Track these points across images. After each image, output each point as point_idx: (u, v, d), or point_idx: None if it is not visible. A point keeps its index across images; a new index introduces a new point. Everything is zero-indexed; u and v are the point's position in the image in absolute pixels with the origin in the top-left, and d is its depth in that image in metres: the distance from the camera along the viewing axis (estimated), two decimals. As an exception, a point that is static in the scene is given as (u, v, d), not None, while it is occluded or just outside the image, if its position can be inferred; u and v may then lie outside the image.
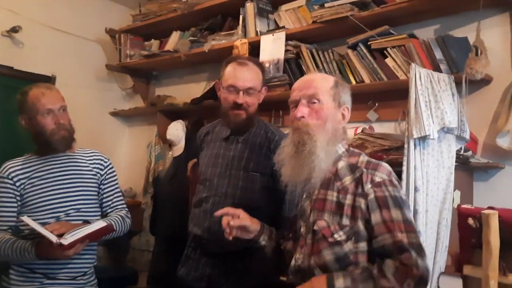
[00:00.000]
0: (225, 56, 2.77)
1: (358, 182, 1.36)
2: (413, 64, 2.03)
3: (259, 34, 3.03)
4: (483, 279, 1.08)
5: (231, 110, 1.99)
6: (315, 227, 1.37)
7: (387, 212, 1.29)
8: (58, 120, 1.90)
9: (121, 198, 2.11)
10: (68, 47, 3.74)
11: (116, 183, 2.10)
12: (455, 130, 2.09)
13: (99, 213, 2.01)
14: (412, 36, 2.46)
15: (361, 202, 1.32)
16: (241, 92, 1.96)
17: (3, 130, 3.29)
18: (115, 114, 4.14)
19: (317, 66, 2.76)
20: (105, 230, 1.84)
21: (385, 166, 1.39)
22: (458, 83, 2.21)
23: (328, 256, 1.31)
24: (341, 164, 1.43)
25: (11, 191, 1.88)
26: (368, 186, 1.33)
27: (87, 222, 1.84)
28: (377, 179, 1.34)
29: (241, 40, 3.06)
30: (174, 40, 3.67)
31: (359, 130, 2.53)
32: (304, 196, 1.47)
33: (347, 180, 1.38)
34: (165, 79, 4.07)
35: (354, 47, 2.65)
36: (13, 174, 1.90)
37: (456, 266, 2.14)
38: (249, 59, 2.05)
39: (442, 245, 2.01)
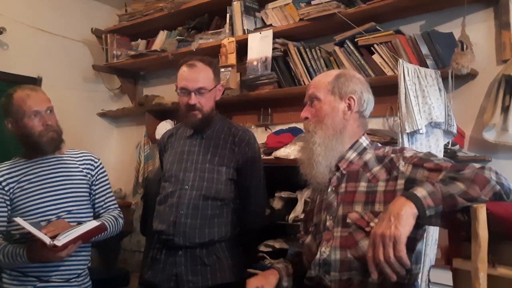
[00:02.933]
0: (212, 55, 2.79)
1: (390, 167, 1.40)
2: (400, 60, 2.05)
3: (246, 32, 3.03)
4: (473, 271, 1.09)
5: (186, 112, 2.04)
6: (348, 220, 1.38)
7: (429, 162, 1.32)
8: (45, 122, 1.87)
9: (113, 198, 2.10)
10: (54, 48, 3.70)
11: (108, 183, 2.09)
12: (443, 125, 2.12)
13: (92, 214, 1.99)
14: (398, 32, 2.48)
15: (399, 184, 1.35)
16: (192, 94, 2.00)
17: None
18: (103, 115, 4.11)
19: (305, 64, 2.77)
20: (98, 230, 1.82)
21: (409, 147, 1.49)
22: (444, 78, 2.24)
23: (366, 246, 1.29)
24: (368, 156, 1.47)
25: (1, 196, 1.86)
26: (402, 164, 1.37)
27: (79, 224, 1.83)
28: (407, 154, 1.40)
29: (228, 39, 3.05)
30: (161, 39, 3.65)
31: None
32: (329, 190, 1.48)
33: (377, 169, 1.43)
34: (152, 79, 4.06)
35: (341, 44, 2.66)
36: (1, 179, 1.88)
37: (445, 259, 2.17)
38: (199, 59, 2.08)
39: (432, 238, 2.03)
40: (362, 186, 1.42)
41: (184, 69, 2.05)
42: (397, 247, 1.13)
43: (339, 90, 1.49)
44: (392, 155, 1.43)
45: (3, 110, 1.91)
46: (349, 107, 1.49)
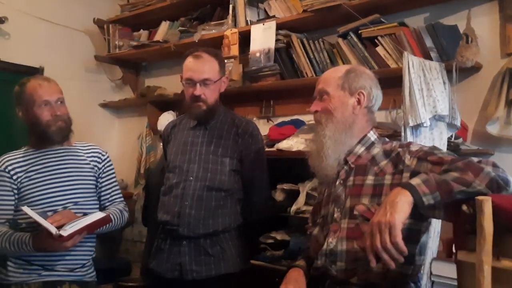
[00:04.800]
0: (215, 46, 2.77)
1: (396, 161, 1.43)
2: (405, 53, 2.04)
3: (249, 23, 3.02)
4: (477, 264, 1.10)
5: (191, 102, 2.04)
6: (355, 212, 1.42)
7: (432, 156, 1.35)
8: (54, 112, 1.89)
9: (119, 191, 2.11)
10: (56, 38, 3.68)
11: (114, 177, 2.10)
12: (447, 118, 2.12)
13: (97, 207, 2.00)
14: (402, 24, 2.47)
15: (405, 177, 1.37)
16: (197, 84, 2.00)
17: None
18: (104, 105, 4.10)
19: (308, 56, 2.76)
20: (103, 221, 1.84)
21: (416, 142, 1.52)
22: (448, 71, 2.24)
23: None
24: (376, 150, 1.50)
25: (8, 184, 1.87)
26: (407, 158, 1.40)
27: (85, 215, 1.84)
28: (413, 149, 1.42)
29: (231, 30, 3.04)
30: (163, 30, 3.63)
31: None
32: (337, 183, 1.51)
33: (384, 163, 1.46)
34: (154, 70, 4.04)
35: (344, 36, 2.65)
36: (10, 168, 1.89)
37: (447, 251, 2.17)
38: (205, 50, 2.09)
39: (434, 231, 2.04)
40: (370, 179, 1.45)
41: (189, 60, 2.05)
42: (393, 232, 1.16)
43: (349, 85, 1.51)
44: (399, 150, 1.45)
45: (15, 98, 1.93)
46: (359, 102, 1.52)
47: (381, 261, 1.19)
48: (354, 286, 1.39)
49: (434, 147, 1.44)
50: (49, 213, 1.82)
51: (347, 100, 1.51)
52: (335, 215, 1.47)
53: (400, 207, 1.19)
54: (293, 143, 2.64)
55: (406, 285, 1.41)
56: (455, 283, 1.28)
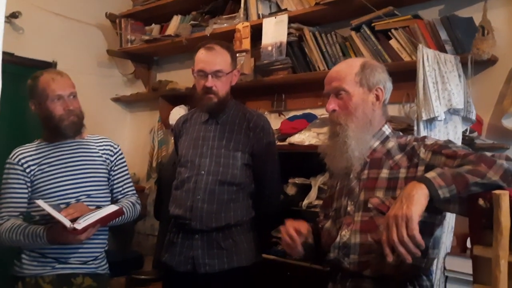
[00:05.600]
0: (227, 40, 2.76)
1: (411, 155, 1.42)
2: (420, 45, 2.02)
3: (261, 17, 3.00)
4: (493, 259, 1.09)
5: (202, 94, 2.04)
6: (369, 205, 1.41)
7: (447, 149, 1.34)
8: (67, 106, 1.90)
9: (131, 184, 2.11)
10: (68, 32, 3.70)
11: (126, 169, 2.10)
12: (461, 112, 2.09)
13: (110, 199, 2.01)
14: (416, 17, 2.43)
15: (420, 170, 1.37)
16: (209, 76, 2.01)
17: (5, 117, 3.27)
18: (116, 100, 4.12)
19: (320, 49, 2.74)
20: (116, 214, 1.84)
21: (431, 136, 1.51)
22: (463, 64, 2.20)
23: None
24: (391, 144, 1.49)
25: (22, 177, 1.89)
26: (422, 151, 1.40)
27: (98, 208, 1.84)
28: (428, 142, 1.42)
29: (243, 24, 3.03)
30: (175, 24, 3.63)
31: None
32: (352, 176, 1.49)
33: (399, 157, 1.45)
34: (166, 64, 4.05)
35: (357, 29, 2.62)
36: (23, 161, 1.90)
37: (461, 247, 2.15)
38: (218, 43, 2.09)
39: (449, 226, 2.02)
40: (384, 172, 1.44)
41: (202, 52, 2.05)
42: (410, 225, 1.16)
43: (367, 81, 1.49)
44: (414, 143, 1.44)
45: (28, 91, 1.94)
46: (377, 98, 1.50)
47: (397, 255, 1.18)
48: (367, 279, 1.39)
49: (449, 141, 1.43)
50: (62, 206, 1.83)
51: (367, 97, 1.48)
52: (349, 208, 1.46)
53: (417, 200, 1.18)
54: (305, 137, 2.63)
55: (419, 277, 1.41)
56: (469, 278, 1.27)
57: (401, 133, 1.57)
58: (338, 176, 1.58)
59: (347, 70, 1.51)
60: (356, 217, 1.43)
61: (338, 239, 1.45)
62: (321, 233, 1.56)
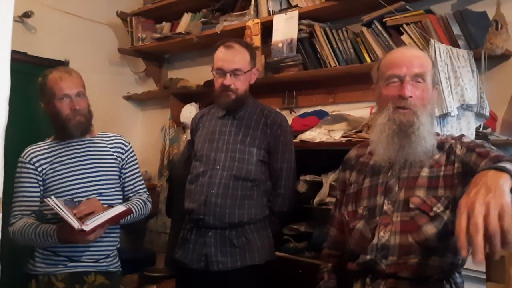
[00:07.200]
0: (237, 36, 2.76)
1: (449, 152, 1.41)
2: (432, 40, 1.99)
3: (271, 13, 2.99)
4: (507, 256, 1.08)
5: (220, 92, 2.05)
6: (411, 205, 1.37)
7: (481, 148, 1.32)
8: (73, 106, 1.89)
9: (142, 182, 2.12)
10: (80, 31, 3.73)
11: (137, 167, 2.11)
12: (475, 107, 2.06)
13: (121, 197, 2.02)
14: (429, 11, 2.40)
15: (456, 167, 1.36)
16: (227, 74, 2.01)
17: (19, 116, 3.31)
18: (128, 98, 4.14)
19: (331, 45, 2.73)
20: (124, 214, 1.85)
21: (467, 136, 1.49)
22: (476, 59, 2.17)
23: (430, 230, 1.32)
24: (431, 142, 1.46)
25: (34, 176, 1.90)
26: (458, 148, 1.39)
27: (110, 206, 1.85)
28: (465, 140, 1.42)
29: (253, 20, 3.02)
30: (185, 22, 3.64)
31: (374, 110, 2.50)
32: (390, 173, 1.45)
33: (438, 155, 1.43)
34: (177, 62, 4.06)
35: (368, 24, 2.60)
36: (35, 159, 1.91)
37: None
38: (237, 41, 2.09)
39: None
40: (425, 171, 1.41)
41: (221, 50, 2.06)
42: (506, 218, 0.98)
43: (435, 78, 1.49)
44: (452, 141, 1.44)
45: (38, 89, 1.95)
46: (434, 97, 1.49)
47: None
48: (403, 280, 1.35)
49: (485, 142, 1.42)
50: (76, 200, 1.84)
51: (434, 93, 1.47)
52: (385, 208, 1.41)
53: (506, 190, 1.04)
54: (316, 134, 2.62)
55: (453, 275, 1.39)
56: (482, 276, 1.26)
57: (439, 132, 1.57)
58: (368, 172, 1.51)
59: (427, 60, 1.45)
60: (395, 217, 1.38)
61: (375, 240, 1.38)
62: (352, 234, 1.48)
